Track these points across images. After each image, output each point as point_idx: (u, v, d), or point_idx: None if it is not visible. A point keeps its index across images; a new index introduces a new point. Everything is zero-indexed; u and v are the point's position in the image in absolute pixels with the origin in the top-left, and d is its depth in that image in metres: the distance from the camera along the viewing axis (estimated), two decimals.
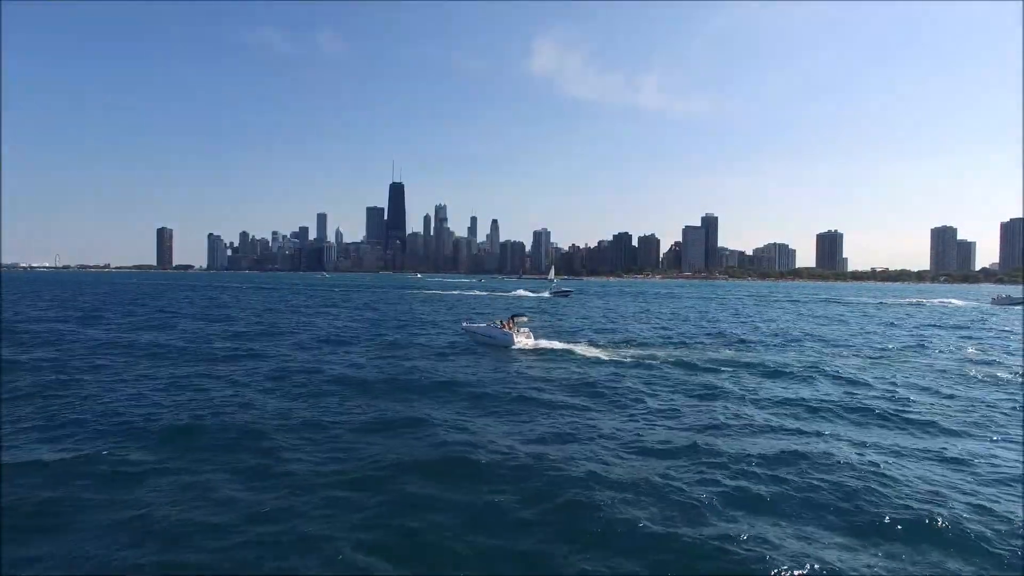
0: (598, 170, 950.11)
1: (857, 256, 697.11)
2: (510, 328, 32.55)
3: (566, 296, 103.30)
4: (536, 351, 30.67)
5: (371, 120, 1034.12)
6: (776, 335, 40.93)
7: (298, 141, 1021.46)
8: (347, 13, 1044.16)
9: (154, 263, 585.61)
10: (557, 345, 32.13)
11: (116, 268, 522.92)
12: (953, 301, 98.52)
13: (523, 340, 31.86)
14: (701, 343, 35.70)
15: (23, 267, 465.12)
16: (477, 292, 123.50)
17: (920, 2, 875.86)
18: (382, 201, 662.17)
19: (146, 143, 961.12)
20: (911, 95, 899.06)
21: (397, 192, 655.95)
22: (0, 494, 10.56)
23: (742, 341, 36.86)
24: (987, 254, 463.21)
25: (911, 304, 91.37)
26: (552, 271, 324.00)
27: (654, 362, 26.97)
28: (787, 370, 25.29)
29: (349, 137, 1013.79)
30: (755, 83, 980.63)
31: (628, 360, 27.50)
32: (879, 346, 35.47)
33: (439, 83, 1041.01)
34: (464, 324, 38.41)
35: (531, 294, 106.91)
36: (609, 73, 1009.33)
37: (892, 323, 54.47)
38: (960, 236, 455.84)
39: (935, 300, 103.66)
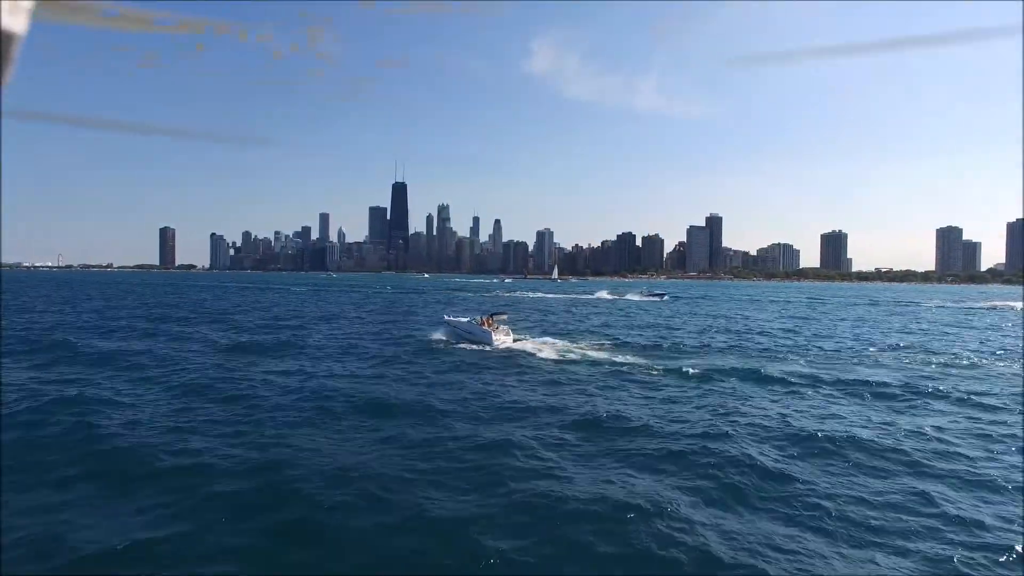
0: (600, 170, 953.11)
1: (859, 256, 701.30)
2: (489, 326, 32.27)
3: (660, 299, 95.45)
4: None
5: (373, 120, 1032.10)
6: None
7: (300, 141, 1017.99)
8: (348, 13, 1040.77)
9: (156, 262, 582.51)
10: (535, 345, 31.65)
11: (119, 268, 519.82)
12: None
13: (502, 338, 31.63)
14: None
15: (26, 267, 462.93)
16: (543, 294, 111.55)
17: (924, 1, 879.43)
18: (384, 201, 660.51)
19: (148, 143, 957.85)
20: (914, 94, 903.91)
21: (400, 192, 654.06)
22: (0, 494, 10.32)
23: None
24: (991, 255, 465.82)
25: (991, 308, 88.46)
26: (556, 271, 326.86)
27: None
28: None
29: (351, 137, 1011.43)
30: (757, 83, 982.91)
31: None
32: None
33: (440, 84, 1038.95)
34: (446, 317, 38.02)
35: (610, 296, 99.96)
36: (609, 74, 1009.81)
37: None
38: (965, 237, 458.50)
39: (999, 303, 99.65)
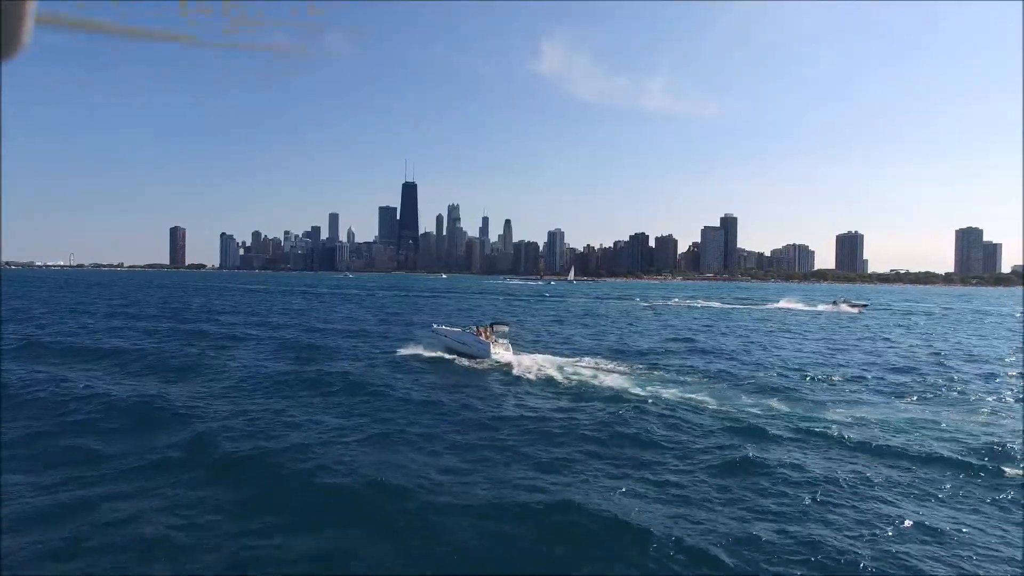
0: (611, 170, 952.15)
1: (873, 257, 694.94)
2: (487, 337, 28.28)
3: (861, 310, 76.74)
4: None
5: (382, 120, 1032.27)
6: None
7: (310, 141, 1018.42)
8: (356, 14, 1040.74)
9: (167, 262, 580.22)
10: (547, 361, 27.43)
11: (129, 267, 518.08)
12: None
13: (501, 352, 27.51)
14: None
15: (39, 265, 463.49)
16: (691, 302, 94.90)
17: (940, 1, 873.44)
18: (394, 201, 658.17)
19: (158, 142, 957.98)
20: (928, 94, 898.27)
21: (410, 192, 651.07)
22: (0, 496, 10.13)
23: None
24: (1008, 257, 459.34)
25: None
26: (572, 272, 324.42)
27: None
28: None
29: (361, 137, 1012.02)
30: (768, 81, 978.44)
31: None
32: None
33: (449, 84, 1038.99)
34: (435, 327, 33.27)
35: (803, 306, 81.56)
36: (618, 74, 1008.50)
37: None
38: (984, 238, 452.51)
39: None
